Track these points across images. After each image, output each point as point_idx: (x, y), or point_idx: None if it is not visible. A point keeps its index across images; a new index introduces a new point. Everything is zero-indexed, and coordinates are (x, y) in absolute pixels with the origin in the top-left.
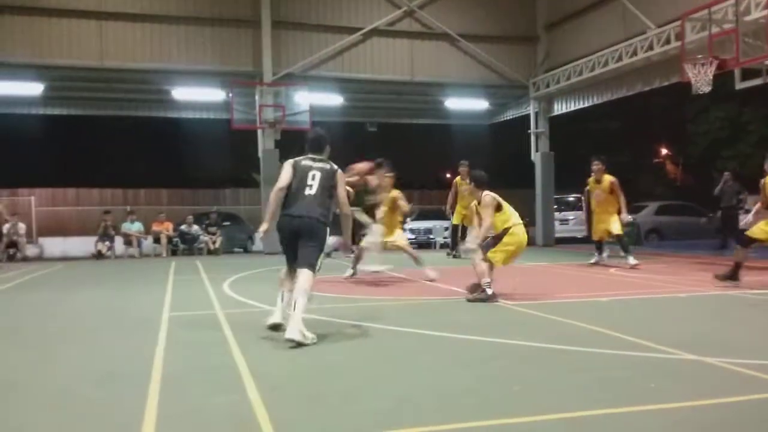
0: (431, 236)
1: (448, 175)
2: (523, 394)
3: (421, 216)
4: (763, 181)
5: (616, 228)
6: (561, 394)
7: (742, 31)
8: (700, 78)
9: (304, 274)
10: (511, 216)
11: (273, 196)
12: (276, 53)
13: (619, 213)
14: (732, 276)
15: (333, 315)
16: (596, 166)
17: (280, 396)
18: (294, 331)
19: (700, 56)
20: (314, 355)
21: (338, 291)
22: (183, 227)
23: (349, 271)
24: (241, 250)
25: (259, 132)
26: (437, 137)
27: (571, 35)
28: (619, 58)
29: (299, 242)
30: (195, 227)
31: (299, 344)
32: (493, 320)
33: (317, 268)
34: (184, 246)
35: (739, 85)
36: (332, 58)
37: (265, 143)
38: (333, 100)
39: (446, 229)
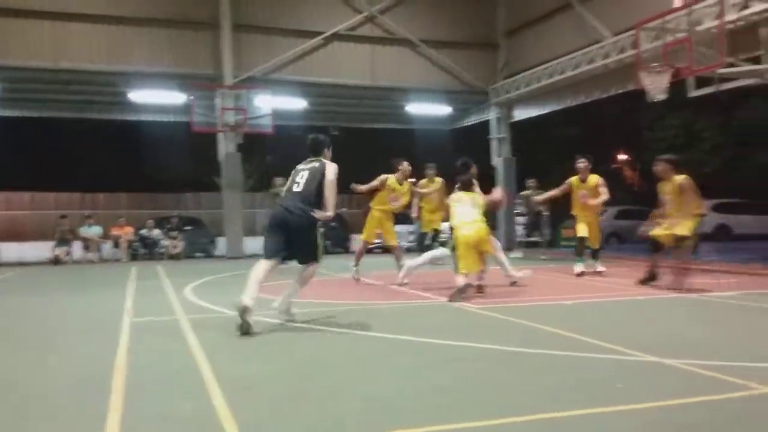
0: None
1: (413, 180)
2: (495, 395)
3: None
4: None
5: (585, 232)
6: (532, 396)
7: (695, 40)
8: (655, 86)
9: (311, 266)
10: (454, 217)
11: None
12: (237, 56)
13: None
14: (651, 278)
15: (302, 319)
16: (582, 164)
17: (246, 401)
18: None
19: (654, 64)
20: (282, 359)
21: (307, 296)
22: (143, 231)
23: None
24: (203, 254)
25: (221, 135)
26: (400, 142)
27: (531, 42)
28: (577, 66)
29: (291, 237)
30: (156, 231)
31: (288, 321)
32: (460, 324)
33: (319, 258)
34: (144, 251)
35: (692, 93)
36: (294, 62)
37: (226, 147)
38: (296, 103)
39: (410, 233)
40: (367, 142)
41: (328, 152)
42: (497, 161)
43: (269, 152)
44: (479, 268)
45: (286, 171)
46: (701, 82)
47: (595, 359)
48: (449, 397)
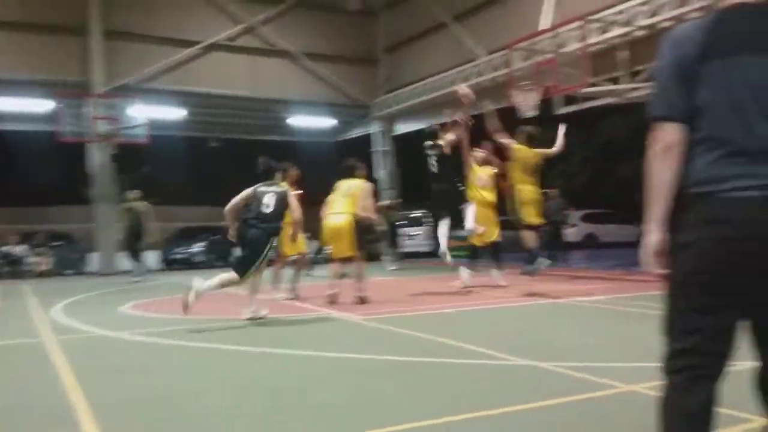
0: None
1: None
2: (379, 406)
3: None
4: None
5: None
6: (416, 405)
7: (561, 61)
8: (526, 103)
9: (232, 275)
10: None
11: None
12: (110, 64)
13: None
14: (533, 268)
15: (180, 338)
16: None
17: (118, 426)
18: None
19: (525, 83)
20: (156, 382)
21: (194, 311)
22: (5, 248)
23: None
24: (74, 271)
25: (92, 146)
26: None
27: (410, 59)
28: (453, 83)
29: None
30: (20, 247)
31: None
32: (341, 336)
33: (246, 275)
34: (8, 268)
35: (560, 111)
36: (170, 71)
37: (98, 157)
38: (173, 113)
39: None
40: (249, 155)
41: (278, 176)
42: (381, 174)
43: (146, 163)
44: (350, 254)
45: (165, 182)
46: (568, 100)
47: (475, 365)
48: (336, 411)
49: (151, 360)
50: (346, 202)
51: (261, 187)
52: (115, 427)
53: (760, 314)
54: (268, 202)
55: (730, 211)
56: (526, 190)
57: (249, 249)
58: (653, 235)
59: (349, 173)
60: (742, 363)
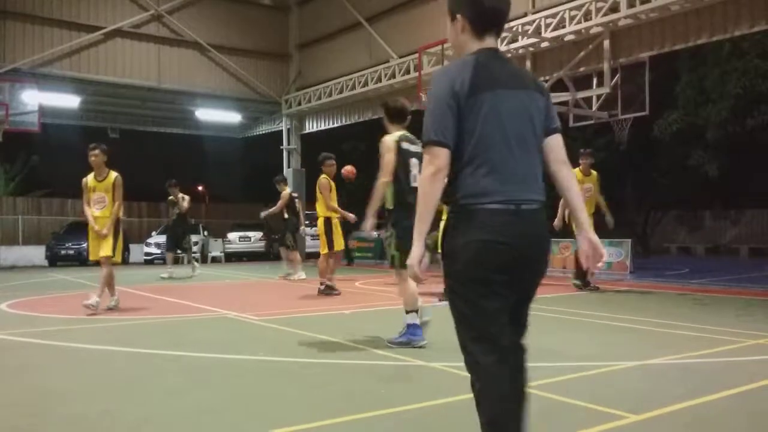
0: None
1: (200, 188)
2: (264, 408)
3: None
4: None
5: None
6: (300, 407)
7: None
8: None
9: None
10: None
11: None
12: None
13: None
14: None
15: (61, 339)
16: (584, 159)
17: None
18: None
19: None
20: (33, 382)
21: (70, 312)
22: None
23: None
24: None
25: None
26: (187, 148)
27: (322, 57)
28: (365, 83)
29: None
30: None
31: None
32: (233, 337)
33: None
34: None
35: None
36: (68, 56)
37: None
38: (68, 101)
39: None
40: (152, 147)
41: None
42: (287, 172)
43: (36, 152)
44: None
45: (58, 173)
46: None
47: (370, 366)
48: (217, 414)
49: (29, 361)
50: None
51: None
52: None
53: (515, 298)
54: None
55: (489, 220)
56: None
57: None
58: (419, 248)
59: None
60: (616, 363)
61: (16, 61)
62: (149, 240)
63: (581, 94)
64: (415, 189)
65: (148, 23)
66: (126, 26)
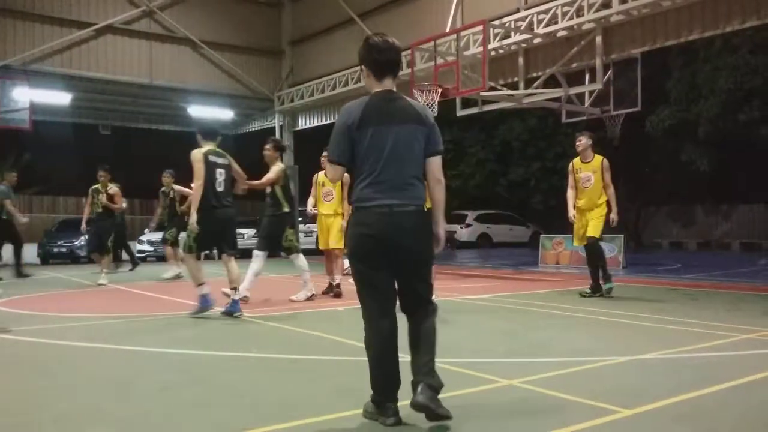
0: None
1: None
2: (256, 405)
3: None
4: None
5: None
6: (295, 403)
7: (463, 64)
8: (427, 103)
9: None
10: None
11: None
12: None
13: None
14: None
15: (54, 336)
16: (581, 141)
17: None
18: None
19: (426, 84)
20: (23, 379)
21: (57, 309)
22: None
23: None
24: None
25: None
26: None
27: (315, 53)
28: (358, 80)
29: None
30: None
31: None
32: (225, 334)
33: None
34: None
35: (460, 113)
36: (59, 53)
37: None
38: (59, 98)
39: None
40: (144, 144)
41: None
42: None
43: (27, 150)
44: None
45: (50, 171)
46: (467, 102)
47: (362, 362)
48: (208, 410)
49: (20, 359)
50: None
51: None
52: None
53: (397, 276)
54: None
55: (370, 219)
56: None
57: None
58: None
59: None
60: (608, 358)
61: (7, 57)
62: (142, 237)
63: (573, 90)
64: (219, 193)
65: (140, 19)
66: (117, 22)
